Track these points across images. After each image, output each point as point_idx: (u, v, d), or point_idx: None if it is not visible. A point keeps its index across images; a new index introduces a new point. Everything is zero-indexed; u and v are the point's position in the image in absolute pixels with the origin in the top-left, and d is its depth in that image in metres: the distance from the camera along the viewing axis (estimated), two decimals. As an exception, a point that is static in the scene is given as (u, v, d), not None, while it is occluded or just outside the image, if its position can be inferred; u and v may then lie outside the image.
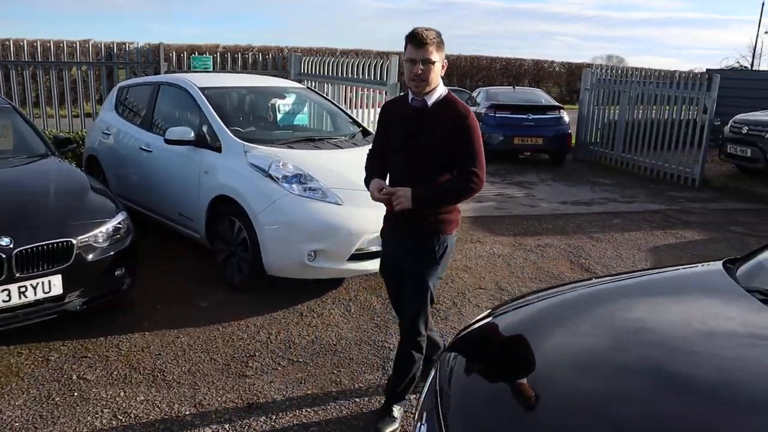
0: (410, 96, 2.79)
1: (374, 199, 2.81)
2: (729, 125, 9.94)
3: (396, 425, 2.99)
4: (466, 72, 27.05)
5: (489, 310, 2.53)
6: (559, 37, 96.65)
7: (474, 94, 13.32)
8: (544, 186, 9.42)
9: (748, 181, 9.68)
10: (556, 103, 11.95)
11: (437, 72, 2.69)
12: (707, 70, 15.26)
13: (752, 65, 19.64)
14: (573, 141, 11.70)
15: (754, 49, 37.37)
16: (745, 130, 9.51)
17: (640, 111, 10.78)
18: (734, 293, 2.27)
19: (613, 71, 11.59)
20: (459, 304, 4.64)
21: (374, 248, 4.35)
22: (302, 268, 4.28)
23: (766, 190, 9.12)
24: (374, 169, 2.92)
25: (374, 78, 7.57)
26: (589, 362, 1.95)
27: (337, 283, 4.80)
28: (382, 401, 3.16)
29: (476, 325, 2.40)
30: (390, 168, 2.88)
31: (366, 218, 4.33)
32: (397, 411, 3.02)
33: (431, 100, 2.75)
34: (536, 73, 28.57)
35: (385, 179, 2.86)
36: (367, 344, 3.92)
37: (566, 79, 28.76)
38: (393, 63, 7.06)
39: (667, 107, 10.32)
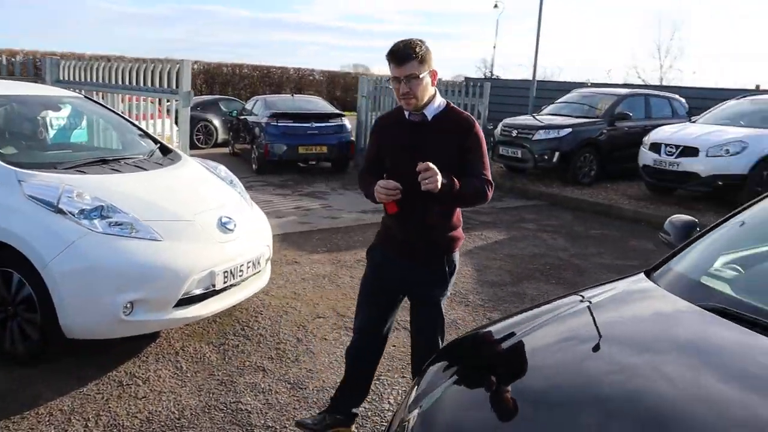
0: (406, 111, 2.62)
1: (379, 197, 2.52)
2: (499, 129, 10.78)
3: None
4: (228, 80, 26.06)
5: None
6: (309, 46, 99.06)
7: (248, 104, 12.69)
8: (336, 195, 9.23)
9: (519, 180, 10.60)
10: (338, 111, 11.88)
11: (427, 85, 2.53)
12: (465, 78, 16.56)
13: (491, 75, 22.24)
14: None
15: (493, 61, 42.54)
16: (514, 133, 10.39)
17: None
18: (696, 314, 2.14)
19: (381, 80, 11.87)
20: (304, 340, 4.11)
21: (200, 290, 3.64)
22: (116, 325, 3.38)
23: (537, 188, 10.06)
24: (373, 182, 2.57)
25: (162, 86, 6.59)
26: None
27: (154, 333, 3.94)
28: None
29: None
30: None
31: (193, 255, 3.61)
32: None
33: (430, 113, 2.60)
34: (298, 81, 28.63)
35: None
36: (218, 410, 3.21)
37: (326, 87, 29.30)
38: (185, 69, 6.19)
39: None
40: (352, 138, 11.32)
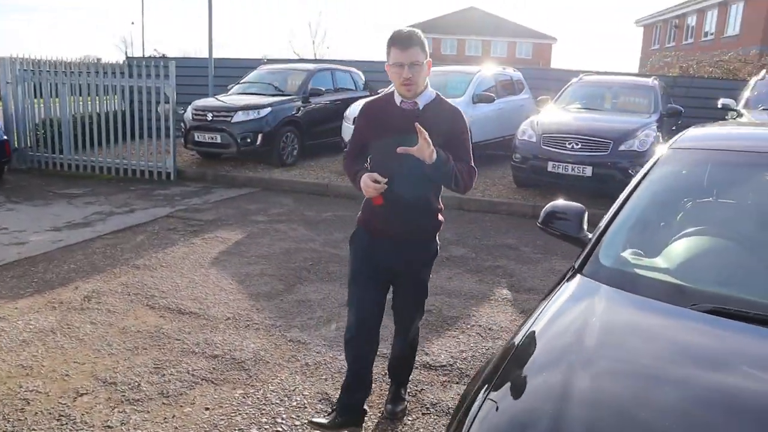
0: (398, 98, 2.68)
1: (367, 191, 2.62)
2: (190, 112, 9.70)
3: (405, 403, 3.20)
4: None
5: None
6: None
7: None
8: (6, 213, 7.16)
9: (221, 167, 9.74)
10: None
11: (425, 72, 2.62)
12: (128, 58, 14.61)
13: (159, 54, 20.19)
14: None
15: (143, 38, 38.76)
16: (210, 116, 9.44)
17: (90, 104, 9.43)
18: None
19: (45, 63, 9.66)
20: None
21: None
22: None
23: (243, 173, 9.37)
24: (360, 168, 2.74)
25: None
26: None
27: None
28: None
29: None
30: (381, 173, 2.61)
31: None
32: (404, 393, 3.22)
33: (422, 101, 2.67)
34: None
35: None
36: None
37: None
38: None
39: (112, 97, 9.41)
40: (5, 137, 8.99)
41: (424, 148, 2.44)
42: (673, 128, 9.34)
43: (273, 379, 3.49)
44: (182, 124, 9.84)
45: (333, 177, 9.22)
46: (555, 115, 8.81)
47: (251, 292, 4.79)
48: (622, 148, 7.70)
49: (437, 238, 2.90)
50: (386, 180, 2.57)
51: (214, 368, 3.58)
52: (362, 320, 2.85)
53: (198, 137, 9.63)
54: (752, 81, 9.83)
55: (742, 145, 2.81)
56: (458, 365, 3.74)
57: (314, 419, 2.97)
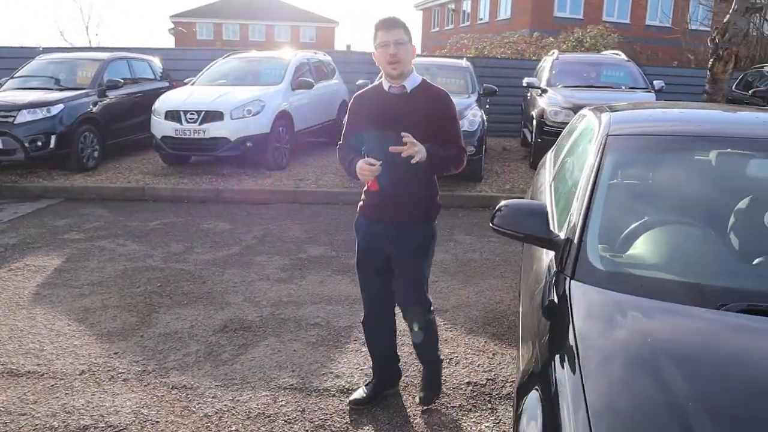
0: (386, 84, 2.79)
1: (363, 176, 2.67)
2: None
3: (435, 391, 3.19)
4: None
5: None
6: None
7: None
8: None
9: (6, 177, 8.09)
10: None
11: (410, 53, 2.71)
12: None
13: None
14: None
15: None
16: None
17: None
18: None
19: None
20: None
21: None
22: None
23: (36, 183, 7.92)
24: (354, 156, 2.79)
25: None
26: None
27: None
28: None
29: None
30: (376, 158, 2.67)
31: None
32: (434, 379, 3.20)
33: (409, 85, 2.75)
34: None
35: None
36: None
37: None
38: None
39: None
40: None
41: (413, 152, 2.52)
42: (486, 106, 9.82)
43: (171, 443, 2.85)
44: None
45: (148, 179, 8.20)
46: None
47: (99, 331, 3.94)
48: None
49: (435, 224, 2.96)
50: (380, 162, 2.61)
51: (86, 444, 2.83)
52: (370, 304, 3.09)
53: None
54: (546, 61, 10.66)
55: (676, 129, 2.83)
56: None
57: (351, 398, 3.16)
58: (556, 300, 2.09)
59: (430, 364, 3.21)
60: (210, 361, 3.58)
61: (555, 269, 2.27)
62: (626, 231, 2.38)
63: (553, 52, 11.00)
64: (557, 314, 2.01)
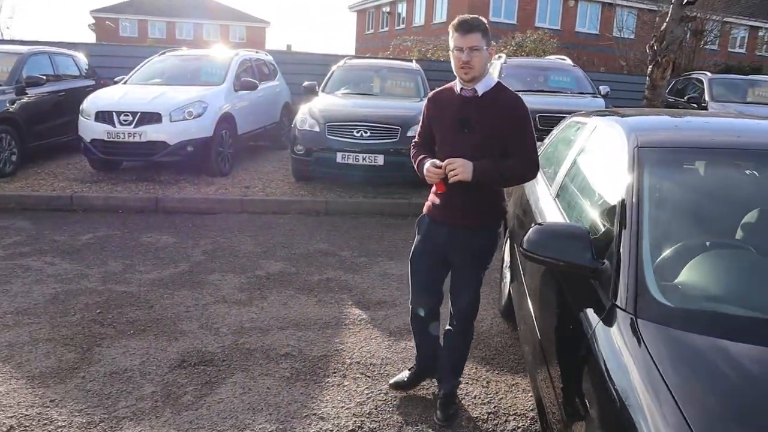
0: (459, 86, 2.76)
1: (428, 177, 2.72)
2: None
3: (454, 407, 3.09)
4: None
5: None
6: None
7: None
8: None
9: None
10: None
11: (485, 59, 2.66)
12: None
13: None
14: None
15: None
16: None
17: None
18: None
19: None
20: None
21: None
22: None
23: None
24: (425, 155, 2.85)
25: None
26: None
27: None
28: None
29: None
30: (441, 159, 2.71)
31: None
32: (454, 396, 3.13)
33: (481, 88, 2.70)
34: None
35: None
36: None
37: None
38: None
39: None
40: None
41: (456, 170, 2.56)
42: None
43: None
44: None
45: (76, 186, 7.42)
46: (334, 102, 8.27)
47: (29, 372, 3.33)
48: (410, 133, 7.47)
49: (498, 231, 2.91)
50: (445, 164, 2.62)
51: None
52: (417, 296, 3.08)
53: None
54: (494, 65, 10.50)
55: (708, 141, 2.54)
56: (368, 426, 2.96)
57: (392, 380, 3.29)
58: (619, 342, 1.76)
59: (449, 380, 3.10)
60: (170, 406, 3.05)
61: (607, 304, 1.94)
62: (681, 258, 2.07)
63: (500, 56, 10.86)
64: (621, 359, 1.68)
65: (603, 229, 2.32)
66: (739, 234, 2.27)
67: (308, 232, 6.30)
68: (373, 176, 7.58)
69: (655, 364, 1.60)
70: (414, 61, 10.75)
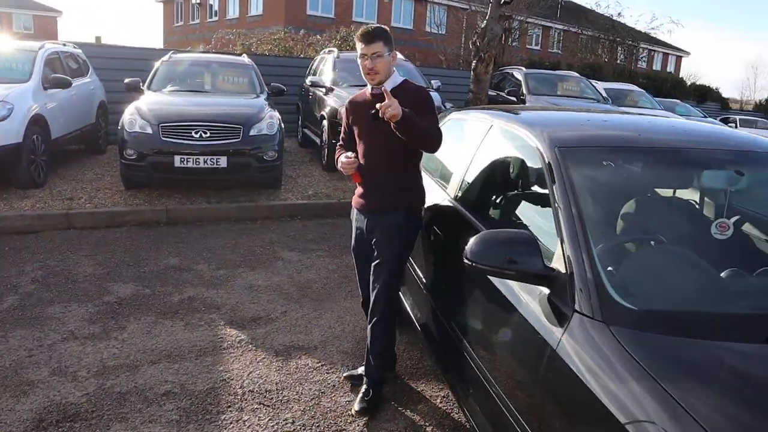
0: (369, 87, 2.99)
1: (344, 169, 2.95)
2: None
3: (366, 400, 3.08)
4: None
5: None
6: None
7: None
8: None
9: None
10: None
11: (388, 63, 2.90)
12: None
13: None
14: None
15: None
16: None
17: None
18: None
19: None
20: None
21: None
22: None
23: None
24: (339, 155, 3.06)
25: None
26: None
27: None
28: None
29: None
30: (359, 157, 3.01)
31: None
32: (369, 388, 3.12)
33: (389, 86, 2.87)
34: None
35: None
36: None
37: None
38: None
39: None
40: None
41: (391, 105, 2.62)
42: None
43: None
44: None
45: None
46: (165, 100, 7.56)
47: None
48: (252, 132, 7.09)
49: (412, 215, 3.04)
50: (355, 155, 2.94)
51: None
52: (361, 285, 3.28)
53: None
54: (326, 60, 10.33)
55: (619, 139, 2.58)
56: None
57: (346, 373, 3.37)
58: (596, 354, 1.70)
59: (370, 373, 3.12)
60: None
61: (569, 312, 1.86)
62: (627, 259, 2.07)
63: (332, 50, 10.74)
64: (607, 372, 1.62)
65: (537, 232, 2.26)
66: (674, 233, 2.33)
67: (153, 246, 5.68)
68: (215, 179, 7.07)
69: (651, 375, 1.54)
70: (245, 55, 10.24)
